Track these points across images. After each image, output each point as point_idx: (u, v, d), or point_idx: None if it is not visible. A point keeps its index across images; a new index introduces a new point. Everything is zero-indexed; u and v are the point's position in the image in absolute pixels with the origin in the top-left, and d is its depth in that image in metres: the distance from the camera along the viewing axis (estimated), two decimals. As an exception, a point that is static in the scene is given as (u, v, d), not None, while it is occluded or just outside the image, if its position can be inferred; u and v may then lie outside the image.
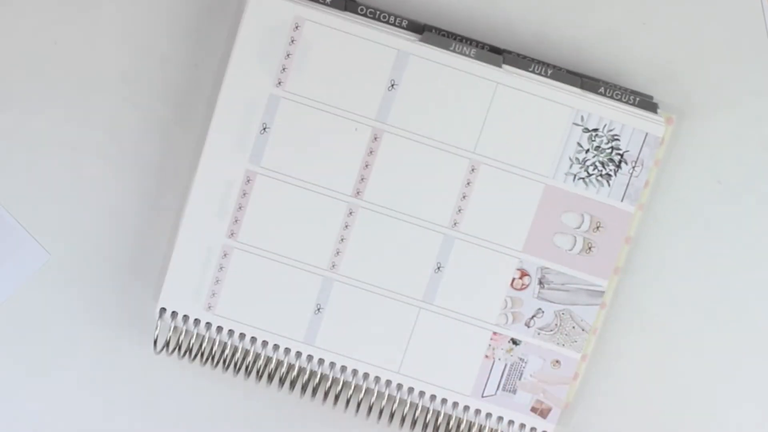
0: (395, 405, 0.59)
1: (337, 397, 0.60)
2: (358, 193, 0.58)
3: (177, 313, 0.59)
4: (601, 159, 0.57)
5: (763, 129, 0.60)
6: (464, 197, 0.58)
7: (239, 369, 0.60)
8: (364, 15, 0.57)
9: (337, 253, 0.58)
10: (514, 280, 0.58)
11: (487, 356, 0.59)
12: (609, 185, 0.58)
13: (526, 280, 0.58)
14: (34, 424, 0.62)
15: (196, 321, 0.59)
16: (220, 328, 0.59)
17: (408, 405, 0.59)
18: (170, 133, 0.60)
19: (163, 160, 0.60)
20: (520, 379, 0.59)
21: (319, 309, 0.59)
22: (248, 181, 0.58)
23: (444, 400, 0.59)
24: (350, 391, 0.60)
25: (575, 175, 0.57)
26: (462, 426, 0.60)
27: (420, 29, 0.57)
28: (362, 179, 0.58)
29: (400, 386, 0.59)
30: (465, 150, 0.57)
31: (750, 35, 0.60)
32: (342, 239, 0.58)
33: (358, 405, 0.60)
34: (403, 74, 0.57)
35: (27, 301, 0.61)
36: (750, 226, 0.61)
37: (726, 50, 0.60)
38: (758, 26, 0.60)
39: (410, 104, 0.57)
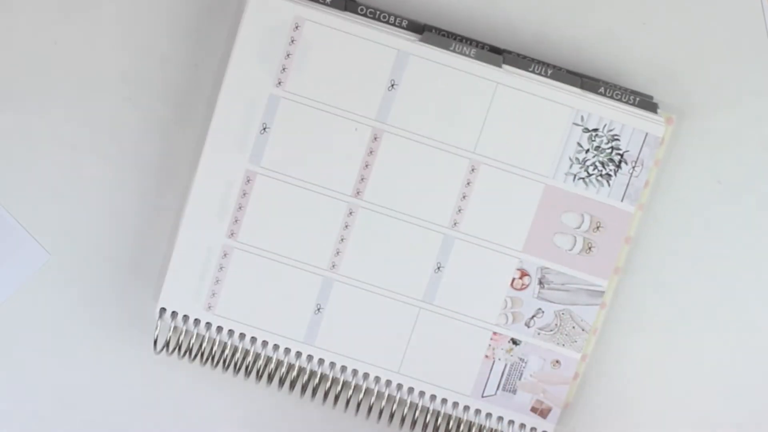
0: (395, 405, 0.59)
1: (337, 397, 0.60)
2: (358, 193, 0.58)
3: (177, 313, 0.59)
4: (601, 159, 0.57)
5: (763, 129, 0.60)
6: (464, 197, 0.58)
7: (239, 369, 0.60)
8: (364, 15, 0.57)
9: (337, 253, 0.58)
10: (514, 280, 0.58)
11: (487, 356, 0.59)
12: (609, 185, 0.58)
13: (526, 280, 0.58)
14: (34, 424, 0.62)
15: (196, 321, 0.59)
16: (220, 328, 0.59)
17: (408, 405, 0.59)
18: (170, 133, 0.60)
19: (163, 160, 0.60)
20: (520, 379, 0.59)
21: (319, 309, 0.59)
22: (248, 181, 0.57)
23: (444, 400, 0.59)
24: (350, 391, 0.60)
25: (575, 175, 0.57)
26: (462, 426, 0.60)
27: (420, 29, 0.57)
28: (362, 179, 0.57)
29: (400, 386, 0.59)
30: (465, 150, 0.57)
31: (750, 35, 0.60)
32: (342, 239, 0.58)
33: (358, 405, 0.60)
34: (403, 74, 0.56)
35: (27, 301, 0.61)
36: (750, 226, 0.61)
37: (726, 50, 0.60)
38: (758, 26, 0.60)
39: (410, 104, 0.57)
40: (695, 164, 0.60)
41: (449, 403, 0.59)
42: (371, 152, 0.57)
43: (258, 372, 0.60)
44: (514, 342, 0.59)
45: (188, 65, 0.60)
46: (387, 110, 0.57)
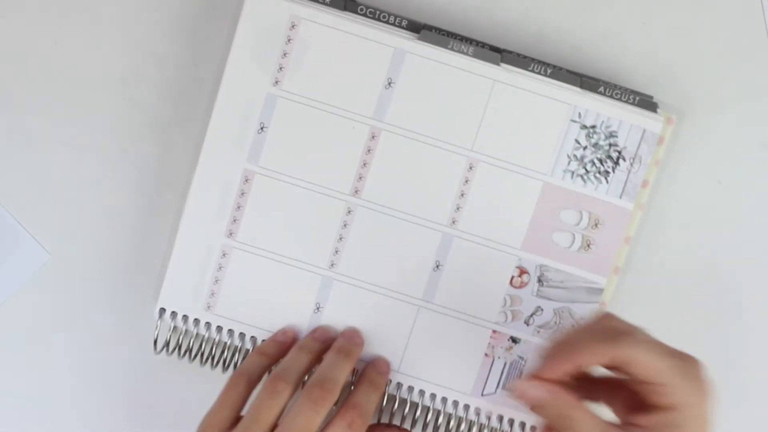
0: (395, 404, 0.59)
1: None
2: (356, 191, 0.58)
3: (177, 313, 0.59)
4: (599, 156, 0.57)
5: (763, 129, 0.60)
6: (462, 195, 0.58)
7: (239, 369, 0.60)
8: (364, 15, 0.57)
9: (336, 252, 0.58)
10: (513, 278, 0.58)
11: (486, 354, 0.59)
12: (607, 182, 0.57)
13: (525, 277, 0.58)
14: (34, 424, 0.62)
15: (196, 321, 0.59)
16: (219, 328, 0.59)
17: (408, 404, 0.59)
18: (169, 133, 0.60)
19: (162, 160, 0.60)
20: (520, 377, 0.59)
21: (318, 308, 0.59)
22: (246, 180, 0.58)
23: (444, 399, 0.59)
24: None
25: (573, 172, 0.57)
26: (462, 425, 0.60)
27: (419, 29, 0.57)
28: (360, 178, 0.58)
29: (399, 385, 0.59)
30: (463, 148, 0.57)
31: (750, 35, 0.60)
32: (341, 238, 0.58)
33: (358, 404, 0.60)
34: (400, 72, 0.57)
35: (27, 301, 0.61)
36: (750, 226, 0.61)
37: (726, 50, 0.60)
38: (758, 26, 0.60)
39: (407, 102, 0.57)
40: (695, 164, 0.60)
41: (449, 402, 0.59)
42: (369, 151, 0.57)
43: (257, 372, 0.60)
44: (514, 340, 0.59)
45: (188, 65, 0.60)
46: (384, 108, 0.57)
